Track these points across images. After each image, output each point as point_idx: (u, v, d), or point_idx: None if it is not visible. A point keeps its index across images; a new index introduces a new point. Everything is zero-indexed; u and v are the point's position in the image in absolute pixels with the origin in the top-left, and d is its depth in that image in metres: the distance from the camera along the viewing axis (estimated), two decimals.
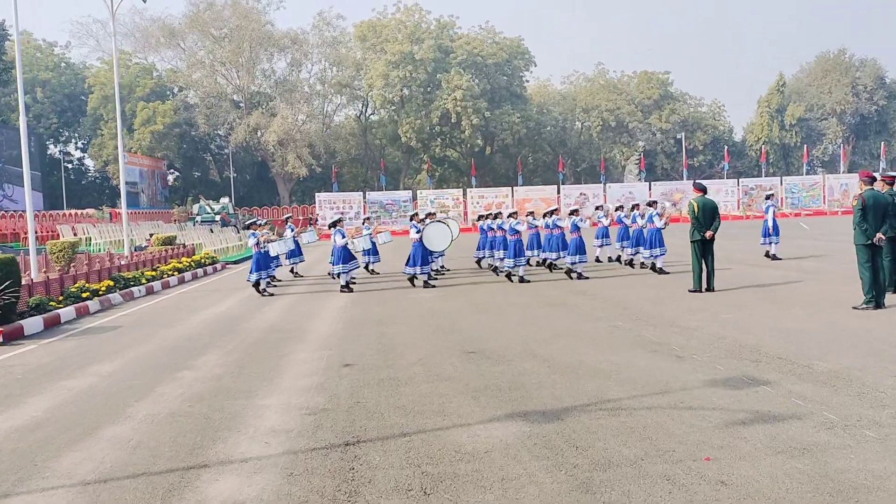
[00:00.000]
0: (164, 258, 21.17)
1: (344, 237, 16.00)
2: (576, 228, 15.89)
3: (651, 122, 67.60)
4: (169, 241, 24.56)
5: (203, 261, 23.02)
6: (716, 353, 7.67)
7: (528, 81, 68.02)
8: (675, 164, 68.63)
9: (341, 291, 15.44)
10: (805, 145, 68.58)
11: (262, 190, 67.34)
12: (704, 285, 12.68)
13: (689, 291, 12.72)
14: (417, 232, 15.77)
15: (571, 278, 15.73)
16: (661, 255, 16.28)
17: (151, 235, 27.62)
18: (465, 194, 58.53)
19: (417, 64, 59.09)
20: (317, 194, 57.84)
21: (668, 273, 15.87)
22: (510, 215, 16.62)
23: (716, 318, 9.83)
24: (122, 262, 19.58)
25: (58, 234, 32.48)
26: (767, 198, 18.75)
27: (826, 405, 5.63)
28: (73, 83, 63.41)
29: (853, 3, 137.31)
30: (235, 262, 26.70)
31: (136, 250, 24.97)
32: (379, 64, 59.28)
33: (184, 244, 26.19)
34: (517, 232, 15.85)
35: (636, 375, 6.85)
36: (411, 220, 16.57)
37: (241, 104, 61.62)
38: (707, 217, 12.68)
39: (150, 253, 22.45)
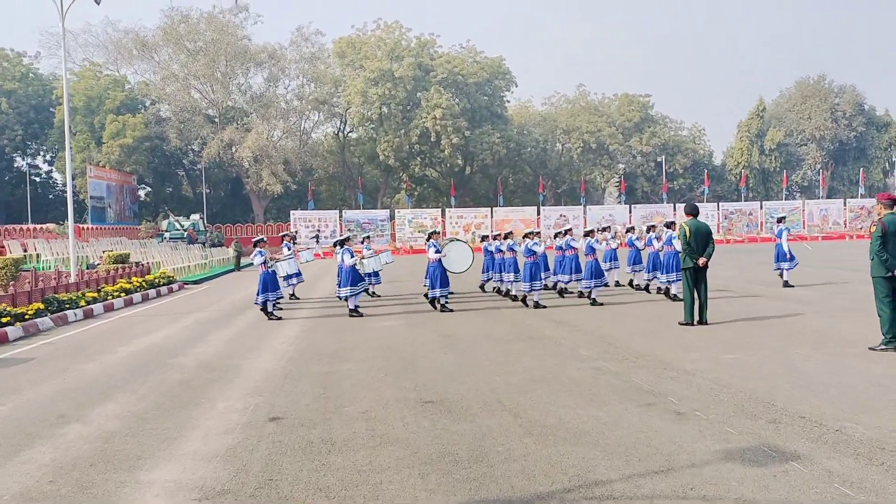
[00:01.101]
0: (113, 278, 19.60)
1: (353, 257, 14.68)
2: (591, 251, 14.77)
3: (631, 145, 66.89)
4: (121, 259, 22.95)
5: (157, 280, 21.44)
6: (723, 408, 6.33)
7: (508, 102, 67.06)
8: (656, 188, 67.91)
9: (350, 316, 14.15)
10: (784, 170, 68.26)
11: (236, 207, 65.61)
12: (696, 317, 11.40)
13: (680, 324, 11.43)
14: (437, 252, 14.57)
15: (593, 303, 14.79)
16: (679, 280, 15.01)
17: (104, 253, 25.95)
18: (443, 214, 57.29)
19: (397, 82, 57.95)
20: (292, 212, 56.31)
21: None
22: (526, 235, 15.35)
23: (716, 360, 8.51)
24: (70, 282, 18.05)
25: (4, 250, 30.64)
26: (779, 220, 17.56)
27: (883, 495, 4.29)
28: (40, 94, 61.42)
29: (832, 29, 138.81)
30: (196, 282, 25.12)
31: (87, 268, 23.34)
32: (358, 81, 58.06)
33: (139, 263, 24.58)
34: (533, 253, 14.67)
35: (629, 442, 5.48)
36: (428, 239, 15.36)
37: (216, 119, 60.05)
38: (700, 242, 11.41)
39: (100, 272, 20.85)
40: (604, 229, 16.93)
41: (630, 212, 57.54)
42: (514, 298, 15.99)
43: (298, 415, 6.62)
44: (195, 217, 50.88)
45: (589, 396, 6.92)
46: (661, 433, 5.66)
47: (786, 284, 16.95)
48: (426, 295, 15.25)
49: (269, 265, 14.63)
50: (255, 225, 58.64)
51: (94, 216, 48.82)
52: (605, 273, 16.62)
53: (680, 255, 11.66)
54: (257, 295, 14.43)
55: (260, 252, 14.75)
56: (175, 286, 22.44)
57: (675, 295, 14.87)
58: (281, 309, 15.50)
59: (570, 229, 16.05)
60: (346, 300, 14.59)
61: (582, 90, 70.50)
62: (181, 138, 58.15)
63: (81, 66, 60.82)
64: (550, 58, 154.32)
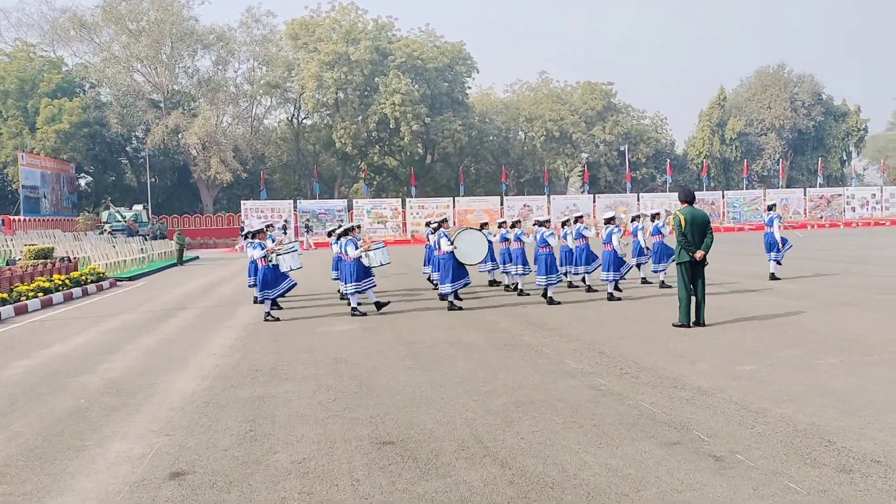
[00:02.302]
0: (32, 275, 17.54)
1: (357, 248, 12.91)
2: (610, 240, 13.43)
3: (595, 134, 65.86)
4: (44, 253, 20.78)
5: (84, 278, 19.38)
6: (769, 448, 4.86)
7: (469, 88, 65.37)
8: (619, 177, 67.09)
9: (353, 315, 12.54)
10: (745, 160, 67.99)
11: (184, 197, 62.84)
12: (693, 318, 9.99)
13: (675, 326, 10.01)
14: (450, 242, 13.01)
15: (611, 297, 13.44)
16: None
17: (25, 247, 23.67)
18: (404, 204, 55.54)
19: (353, 65, 55.84)
20: (243, 202, 54.01)
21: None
22: (542, 223, 13.94)
23: (731, 374, 7.07)
24: None
25: None
26: (770, 208, 16.31)
27: None
28: None
29: (791, 18, 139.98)
30: (130, 279, 23.05)
31: (7, 264, 21.13)
32: (312, 64, 55.77)
33: (67, 258, 22.43)
34: (547, 244, 13.30)
35: None
36: (438, 227, 13.82)
37: (161, 104, 57.27)
38: (696, 233, 9.97)
39: (20, 268, 18.74)
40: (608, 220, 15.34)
41: (594, 201, 56.55)
42: (521, 293, 14.64)
43: (211, 466, 4.96)
44: (138, 208, 48.34)
45: (593, 431, 5.38)
46: (704, 492, 4.15)
47: (772, 277, 15.76)
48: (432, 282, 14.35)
49: (270, 259, 12.83)
50: (203, 216, 56.19)
51: (28, 207, 45.82)
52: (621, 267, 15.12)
53: (675, 247, 10.21)
54: (258, 291, 12.83)
55: (260, 244, 12.87)
56: (106, 283, 20.39)
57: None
58: (280, 309, 13.78)
59: (581, 216, 14.70)
60: (350, 296, 12.88)
61: (544, 77, 69.28)
62: (123, 124, 55.28)
63: (13, 46, 57.49)
64: (512, 44, 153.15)
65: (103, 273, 21.32)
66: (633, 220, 16.20)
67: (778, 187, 66.95)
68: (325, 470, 4.78)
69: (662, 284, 15.09)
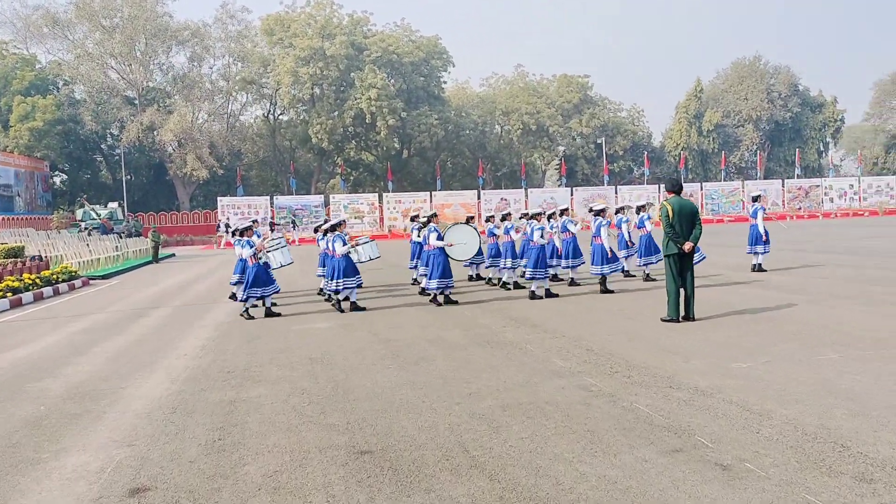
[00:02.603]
0: (0, 275, 16.93)
1: (345, 244, 12.42)
2: (599, 232, 13.16)
3: (571, 127, 65.74)
4: (14, 252, 20.14)
5: (55, 277, 18.78)
6: (779, 454, 4.53)
7: (445, 83, 64.97)
8: (596, 170, 67.08)
9: (352, 311, 12.23)
10: (723, 151, 68.22)
11: (160, 194, 61.93)
12: (682, 313, 9.69)
13: (663, 321, 9.71)
14: (439, 238, 12.61)
15: (603, 290, 13.22)
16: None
17: None
18: (381, 199, 55.13)
19: (329, 61, 55.21)
20: (219, 199, 53.35)
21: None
22: (533, 217, 13.58)
23: (727, 371, 6.76)
24: None
25: None
26: (755, 200, 16.08)
27: None
28: None
29: (766, 9, 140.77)
30: (104, 277, 22.43)
31: None
32: (287, 60, 55.07)
33: (39, 256, 21.78)
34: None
35: None
36: (427, 222, 13.25)
37: (135, 101, 56.32)
38: (684, 224, 9.67)
39: None
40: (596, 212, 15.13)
41: (571, 194, 56.45)
42: (507, 286, 14.35)
43: (175, 481, 4.55)
44: (113, 205, 47.45)
45: (587, 438, 5.03)
46: None
47: (758, 269, 15.55)
48: (416, 281, 14.25)
49: (259, 257, 12.33)
50: (180, 213, 55.40)
51: (1, 206, 44.87)
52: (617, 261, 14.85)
53: (662, 239, 9.90)
54: (244, 290, 12.09)
55: (248, 242, 12.30)
56: (78, 282, 19.79)
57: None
58: (275, 305, 13.23)
59: (566, 209, 14.25)
60: (337, 294, 12.44)
61: (521, 70, 69.01)
62: (97, 121, 54.33)
63: None
64: (488, 38, 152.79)
65: (75, 272, 20.71)
66: (617, 212, 15.93)
67: (756, 179, 67.23)
68: (297, 484, 4.39)
69: (647, 278, 14.82)
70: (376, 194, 56.28)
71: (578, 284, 14.45)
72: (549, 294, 12.89)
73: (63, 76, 57.30)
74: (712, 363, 7.13)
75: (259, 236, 14.47)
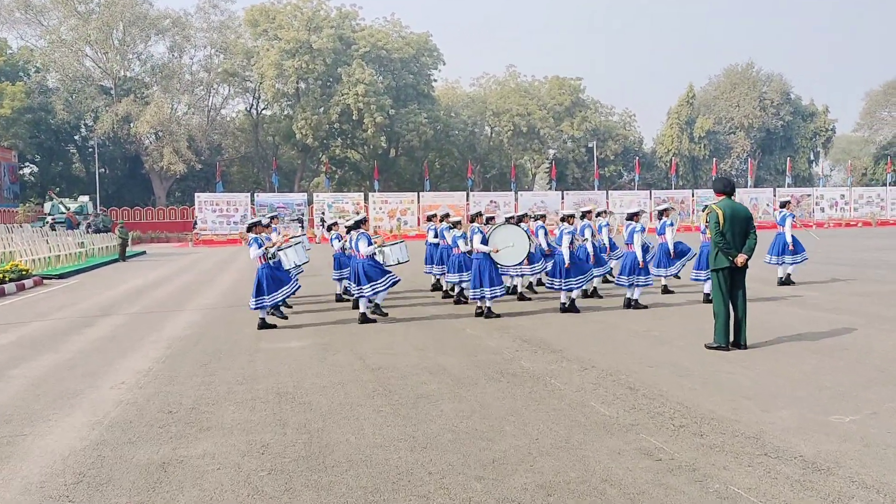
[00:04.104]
0: None
1: (370, 244, 10.68)
2: (632, 239, 11.44)
3: (562, 130, 64.22)
4: None
5: (1, 276, 16.85)
6: None
7: (435, 81, 63.19)
8: (587, 174, 65.61)
9: (361, 322, 10.60)
10: (714, 158, 67.02)
11: (135, 188, 59.60)
12: (731, 338, 8.04)
13: (709, 348, 8.04)
14: (484, 240, 10.90)
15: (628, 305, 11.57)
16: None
17: None
18: (366, 199, 53.20)
19: (315, 54, 53.27)
20: (197, 195, 51.14)
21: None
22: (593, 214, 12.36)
23: (829, 428, 5.11)
24: None
25: None
26: (783, 205, 14.45)
27: None
28: None
29: (760, 17, 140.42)
30: (60, 277, 20.46)
31: None
32: (272, 52, 53.07)
33: None
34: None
35: None
36: (472, 221, 11.53)
37: (111, 90, 54.10)
38: (737, 232, 8.01)
39: None
40: (598, 213, 13.33)
41: (562, 198, 54.89)
42: (522, 297, 12.80)
43: None
44: (83, 199, 45.23)
45: None
46: None
47: (786, 282, 13.99)
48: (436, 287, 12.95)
49: (269, 257, 10.53)
50: (156, 208, 53.19)
51: None
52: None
53: (710, 249, 8.23)
54: (252, 297, 10.37)
55: (256, 240, 10.52)
56: (29, 282, 17.86)
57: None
58: (290, 307, 11.93)
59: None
60: (366, 301, 10.81)
61: (512, 71, 67.38)
62: (70, 111, 52.05)
63: None
64: (479, 36, 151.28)
65: (27, 270, 18.76)
66: (597, 215, 14.19)
67: (747, 186, 66.05)
68: None
69: (665, 290, 13.21)
70: (362, 194, 54.37)
71: (599, 296, 12.88)
72: (571, 307, 11.21)
73: (35, 63, 54.96)
74: (801, 414, 5.46)
75: (278, 233, 12.81)
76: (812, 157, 74.97)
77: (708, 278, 11.87)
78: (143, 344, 9.50)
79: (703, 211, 12.63)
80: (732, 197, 8.26)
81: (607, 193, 57.77)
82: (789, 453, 4.62)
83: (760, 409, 5.67)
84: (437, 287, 14.24)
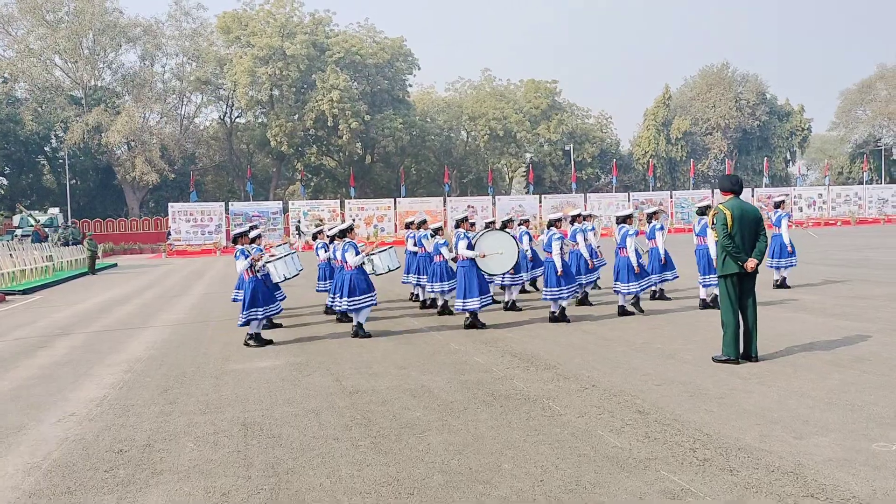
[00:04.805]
0: None
1: (358, 254, 9.87)
2: (625, 244, 10.92)
3: (539, 133, 63.82)
4: None
5: None
6: None
7: (411, 86, 62.56)
8: (564, 177, 65.24)
9: (354, 335, 9.87)
10: (691, 159, 66.92)
11: (108, 199, 58.27)
12: (741, 349, 7.41)
13: (717, 361, 7.41)
14: (470, 247, 10.13)
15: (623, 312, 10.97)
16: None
17: None
18: (342, 206, 52.34)
19: (289, 60, 52.41)
20: (170, 205, 49.99)
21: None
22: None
23: (876, 459, 4.46)
24: None
25: None
26: (777, 206, 13.90)
27: None
28: None
29: (734, 17, 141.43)
30: (24, 293, 19.49)
31: None
32: (245, 59, 52.17)
33: None
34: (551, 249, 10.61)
35: None
36: (457, 226, 10.69)
37: (81, 100, 52.83)
38: (746, 234, 7.38)
39: None
40: (583, 217, 12.53)
41: (540, 202, 54.39)
42: (516, 307, 12.09)
43: None
44: (54, 211, 44.03)
45: None
46: None
47: (781, 285, 13.43)
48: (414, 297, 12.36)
49: (257, 269, 9.70)
50: (129, 220, 51.96)
51: None
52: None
53: (717, 252, 7.60)
54: (243, 311, 9.51)
55: (243, 251, 9.66)
56: None
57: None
58: (280, 326, 11.17)
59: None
60: (349, 315, 10.22)
61: (488, 75, 67.00)
62: (39, 121, 50.72)
63: None
64: (454, 41, 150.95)
65: None
66: (584, 219, 13.44)
67: None
68: None
69: (657, 296, 12.59)
70: (338, 201, 53.51)
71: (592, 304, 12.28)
72: (561, 316, 10.54)
73: (2, 73, 53.56)
74: (840, 442, 4.81)
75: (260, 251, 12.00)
76: (788, 157, 75.22)
77: (706, 284, 11.29)
78: (101, 367, 8.68)
79: (697, 213, 12.08)
80: (741, 195, 7.62)
81: (585, 196, 57.37)
82: (839, 493, 3.96)
83: (792, 435, 5.02)
84: (417, 298, 13.54)
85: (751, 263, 7.27)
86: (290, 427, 5.74)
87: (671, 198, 59.02)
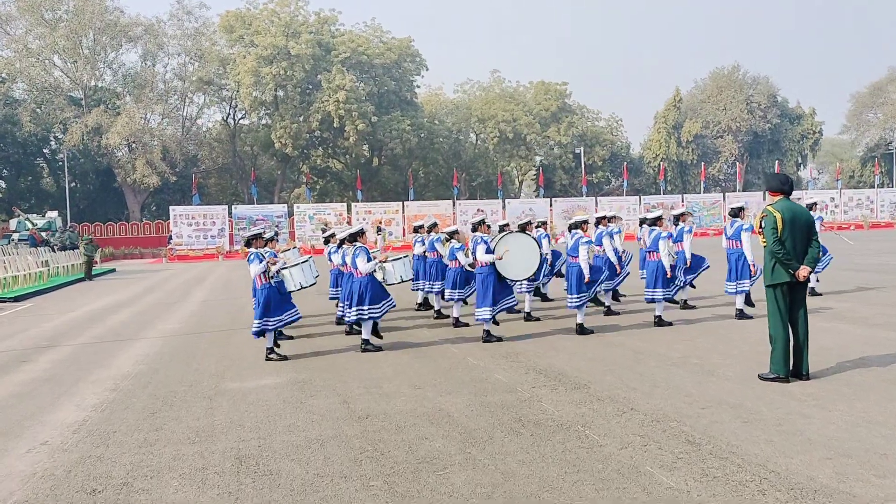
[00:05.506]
0: None
1: (370, 260, 9.09)
2: (657, 246, 10.05)
3: (549, 136, 63.07)
4: None
5: None
6: None
7: (418, 87, 61.79)
8: (574, 181, 64.45)
9: (363, 350, 9.10)
10: (702, 163, 66.10)
11: (108, 202, 57.67)
12: (791, 366, 6.66)
13: (764, 379, 6.67)
14: (489, 251, 9.38)
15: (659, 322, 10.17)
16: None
17: None
18: (349, 209, 51.61)
19: (293, 60, 51.67)
20: (172, 208, 49.33)
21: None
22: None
23: None
24: None
25: None
26: (810, 207, 13.11)
27: None
28: None
29: (746, 20, 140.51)
30: (14, 300, 18.80)
31: None
32: (248, 59, 51.41)
33: None
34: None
35: None
36: (474, 230, 9.96)
37: (81, 101, 52.23)
38: (798, 240, 6.64)
39: None
40: (607, 219, 11.71)
41: (550, 206, 53.62)
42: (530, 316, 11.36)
43: None
44: (52, 215, 43.33)
45: None
46: None
47: (811, 292, 12.65)
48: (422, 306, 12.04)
49: (272, 275, 9.00)
50: (129, 223, 51.31)
51: None
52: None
53: (764, 258, 6.85)
54: (256, 320, 8.86)
55: (257, 255, 9.01)
56: None
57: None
58: (291, 338, 10.40)
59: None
60: (356, 326, 9.59)
61: (497, 76, 66.15)
62: (38, 122, 50.08)
63: None
64: (463, 41, 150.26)
65: None
66: (596, 223, 12.66)
67: (735, 191, 65.19)
68: None
69: (684, 305, 11.85)
70: (344, 204, 52.80)
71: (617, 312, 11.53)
72: (583, 330, 9.79)
73: (0, 73, 53.01)
74: None
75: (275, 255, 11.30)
76: (800, 160, 74.32)
77: (739, 291, 10.53)
78: (84, 385, 7.97)
79: (730, 214, 11.31)
80: (790, 196, 6.88)
81: (596, 200, 56.57)
82: None
83: (873, 473, 4.28)
84: (428, 305, 12.81)
85: (803, 272, 6.53)
86: (291, 461, 5.02)
87: (682, 201, 58.21)
